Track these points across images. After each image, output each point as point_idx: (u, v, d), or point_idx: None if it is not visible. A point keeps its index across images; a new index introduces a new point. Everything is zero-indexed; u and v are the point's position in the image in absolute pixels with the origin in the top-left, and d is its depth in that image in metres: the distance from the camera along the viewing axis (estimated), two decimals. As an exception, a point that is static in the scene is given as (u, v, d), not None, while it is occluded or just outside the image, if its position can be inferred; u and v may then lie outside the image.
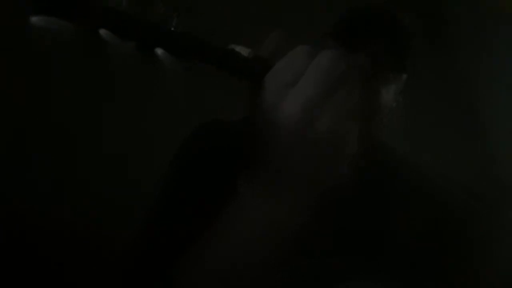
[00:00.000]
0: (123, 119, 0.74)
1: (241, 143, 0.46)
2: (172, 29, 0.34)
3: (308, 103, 0.38)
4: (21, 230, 0.81)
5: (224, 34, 0.40)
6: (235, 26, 0.60)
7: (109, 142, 0.76)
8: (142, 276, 0.61)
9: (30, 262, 0.79)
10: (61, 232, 0.82)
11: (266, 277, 0.42)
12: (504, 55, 0.76)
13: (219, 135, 0.71)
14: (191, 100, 0.63)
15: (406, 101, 0.73)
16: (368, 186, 0.68)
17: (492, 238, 0.72)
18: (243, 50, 0.39)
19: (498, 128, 0.79)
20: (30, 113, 0.76)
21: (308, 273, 0.57)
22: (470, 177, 0.77)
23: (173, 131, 0.69)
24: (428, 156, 0.76)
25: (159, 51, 0.32)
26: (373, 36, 0.70)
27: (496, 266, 0.70)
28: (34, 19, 0.28)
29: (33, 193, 0.84)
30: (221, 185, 0.46)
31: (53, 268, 0.80)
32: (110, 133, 0.76)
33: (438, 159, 0.77)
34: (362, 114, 0.41)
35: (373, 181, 0.68)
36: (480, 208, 0.74)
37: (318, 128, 0.38)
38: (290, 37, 0.41)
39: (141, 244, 0.64)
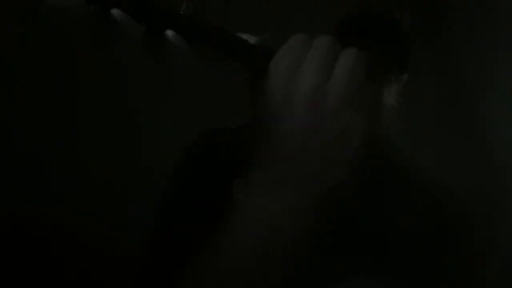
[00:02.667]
0: (132, 100, 0.74)
1: (240, 149, 0.46)
2: (182, 13, 0.34)
3: (312, 85, 0.38)
4: (22, 231, 0.81)
5: (230, 22, 0.40)
6: (242, 14, 0.60)
7: (117, 127, 0.76)
8: (145, 282, 0.61)
9: (30, 262, 0.79)
10: (63, 233, 0.82)
11: (267, 279, 0.42)
12: (504, 55, 0.77)
13: (220, 143, 0.71)
14: (199, 83, 0.63)
15: (407, 101, 0.73)
16: (369, 186, 0.68)
17: (492, 238, 0.73)
18: (249, 38, 0.40)
19: (499, 128, 0.79)
20: (34, 99, 0.76)
21: (309, 272, 0.57)
22: (470, 177, 0.78)
23: (183, 113, 0.70)
24: (429, 156, 0.76)
25: (169, 33, 0.33)
26: (374, 38, 0.71)
27: (497, 266, 0.70)
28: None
29: (34, 193, 0.84)
30: (223, 193, 0.46)
31: (56, 269, 0.80)
32: (118, 117, 0.76)
33: (439, 159, 0.77)
34: (366, 109, 0.41)
35: (374, 180, 0.69)
36: (480, 208, 0.74)
37: (323, 111, 0.39)
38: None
39: (144, 251, 0.64)
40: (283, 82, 0.38)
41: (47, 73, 0.72)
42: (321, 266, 0.59)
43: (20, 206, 0.83)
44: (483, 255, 0.71)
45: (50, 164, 0.85)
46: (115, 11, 0.30)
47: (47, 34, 0.65)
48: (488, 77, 0.78)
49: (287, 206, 0.40)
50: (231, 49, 0.38)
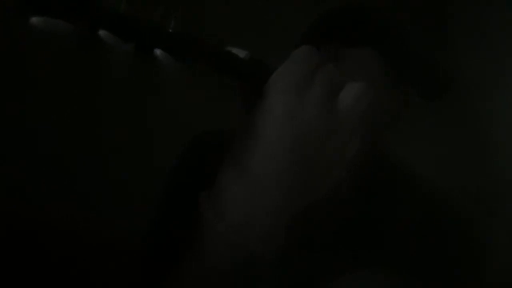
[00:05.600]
0: (122, 119, 0.74)
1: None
2: (170, 30, 0.34)
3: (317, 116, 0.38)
4: (20, 230, 0.81)
5: (220, 36, 0.40)
6: (231, 28, 0.60)
7: (108, 143, 0.76)
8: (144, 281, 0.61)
9: (29, 261, 0.80)
10: (63, 233, 0.82)
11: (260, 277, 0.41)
12: (505, 55, 0.77)
13: (216, 146, 0.71)
14: (190, 100, 0.63)
15: (404, 101, 0.73)
16: (368, 185, 0.68)
17: (491, 238, 0.73)
18: (239, 52, 0.39)
19: (498, 128, 0.79)
20: (28, 114, 0.77)
21: (309, 267, 0.57)
22: (470, 178, 0.78)
23: (173, 131, 0.70)
24: (429, 157, 0.76)
25: (158, 51, 0.33)
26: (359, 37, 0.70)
27: (496, 266, 0.70)
28: (33, 20, 0.29)
29: (33, 193, 0.84)
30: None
31: (55, 269, 0.81)
32: (109, 135, 0.76)
33: (438, 160, 0.77)
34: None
35: (372, 180, 0.69)
36: (478, 207, 0.74)
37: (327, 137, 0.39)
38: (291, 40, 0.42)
39: (143, 251, 0.64)
40: (285, 102, 0.38)
41: (36, 93, 0.73)
42: (321, 261, 0.59)
43: (19, 205, 0.83)
44: (483, 254, 0.71)
45: (49, 165, 0.85)
46: (102, 33, 0.30)
47: (35, 57, 0.65)
48: (489, 78, 0.78)
49: (264, 227, 0.39)
50: (221, 65, 0.38)
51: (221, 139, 0.71)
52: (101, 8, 0.31)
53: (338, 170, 0.41)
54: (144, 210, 0.71)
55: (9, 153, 0.84)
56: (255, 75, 0.39)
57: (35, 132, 0.82)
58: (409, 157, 0.75)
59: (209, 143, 0.71)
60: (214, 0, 0.70)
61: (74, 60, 0.65)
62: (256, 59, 0.40)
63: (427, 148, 0.78)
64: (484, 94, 0.83)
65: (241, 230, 0.39)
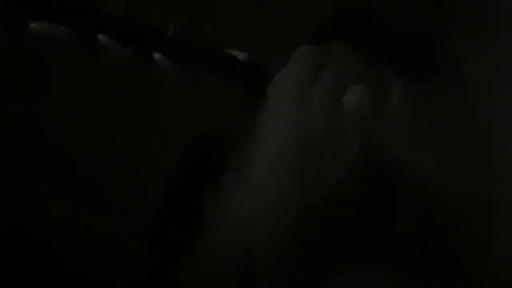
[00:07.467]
0: (122, 123, 0.74)
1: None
2: (169, 33, 0.34)
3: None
4: (20, 229, 0.81)
5: (220, 38, 0.40)
6: (230, 30, 0.60)
7: (108, 145, 0.76)
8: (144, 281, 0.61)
9: (29, 261, 0.80)
10: (63, 232, 0.82)
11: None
12: (505, 55, 0.76)
13: (217, 145, 0.71)
14: (189, 104, 0.63)
15: (406, 103, 0.73)
16: (368, 185, 0.68)
17: (492, 238, 0.73)
18: (239, 55, 0.39)
19: (498, 127, 0.79)
20: (26, 119, 0.77)
21: (309, 266, 0.57)
22: (468, 176, 0.78)
23: (172, 135, 0.70)
24: (427, 156, 0.76)
25: (156, 55, 0.33)
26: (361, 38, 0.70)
27: (496, 266, 0.70)
28: (32, 24, 0.29)
29: (33, 192, 0.84)
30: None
31: (55, 269, 0.81)
32: (109, 138, 0.76)
33: (437, 159, 0.77)
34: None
35: (372, 180, 0.69)
36: (478, 207, 0.74)
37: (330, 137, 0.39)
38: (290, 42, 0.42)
39: (143, 251, 0.64)
40: (288, 102, 0.38)
41: (36, 97, 0.73)
42: (321, 261, 0.59)
43: (19, 205, 0.83)
44: (483, 254, 0.71)
45: (50, 164, 0.85)
46: (101, 37, 0.30)
47: (34, 61, 0.65)
48: (489, 78, 0.78)
49: (265, 227, 0.39)
50: (220, 68, 0.38)
51: (221, 139, 0.71)
52: (100, 12, 0.31)
53: (339, 170, 0.41)
54: (144, 210, 0.71)
55: (9, 153, 0.84)
56: (255, 78, 0.39)
57: (35, 132, 0.82)
58: (409, 157, 0.75)
59: (209, 143, 0.71)
60: (212, 2, 0.70)
61: (73, 65, 0.65)
62: (256, 62, 0.40)
63: (427, 148, 0.78)
64: (484, 94, 0.83)
65: (242, 229, 0.40)
